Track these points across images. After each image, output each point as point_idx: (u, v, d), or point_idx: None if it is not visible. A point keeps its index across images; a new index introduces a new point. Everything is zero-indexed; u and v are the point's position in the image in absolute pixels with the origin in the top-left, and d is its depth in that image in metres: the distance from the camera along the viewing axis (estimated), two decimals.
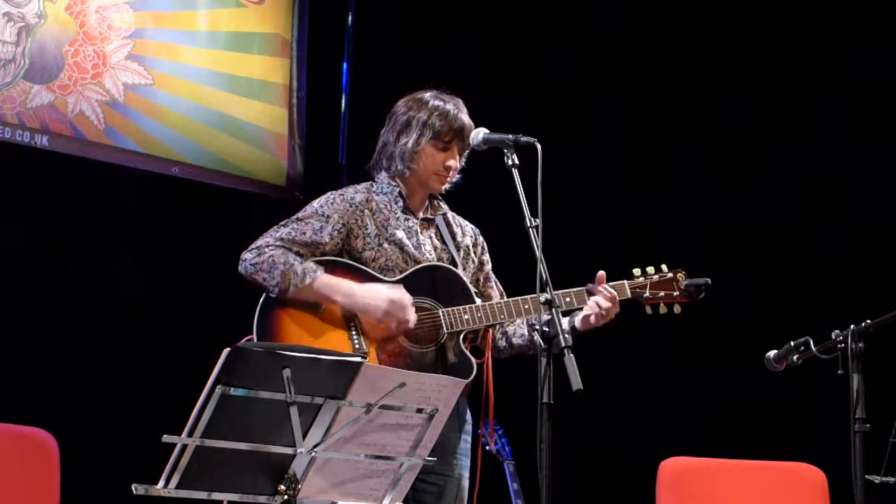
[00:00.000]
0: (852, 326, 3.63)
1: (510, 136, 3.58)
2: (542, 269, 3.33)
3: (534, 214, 3.38)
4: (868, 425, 3.57)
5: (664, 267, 3.88)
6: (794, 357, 3.79)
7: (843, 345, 3.62)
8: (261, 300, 3.69)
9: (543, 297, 3.31)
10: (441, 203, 3.95)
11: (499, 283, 3.99)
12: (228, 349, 2.74)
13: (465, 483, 3.79)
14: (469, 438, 3.84)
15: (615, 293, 3.74)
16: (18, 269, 5.08)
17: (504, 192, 3.49)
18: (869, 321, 3.62)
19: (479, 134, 3.70)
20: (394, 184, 3.85)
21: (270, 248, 3.69)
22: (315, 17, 5.95)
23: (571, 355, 3.17)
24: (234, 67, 5.71)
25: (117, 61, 5.34)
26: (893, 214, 5.93)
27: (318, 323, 3.69)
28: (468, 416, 3.84)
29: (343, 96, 6.00)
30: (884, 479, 3.58)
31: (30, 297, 5.08)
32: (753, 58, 6.28)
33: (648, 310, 3.86)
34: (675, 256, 3.93)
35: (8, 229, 5.07)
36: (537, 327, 3.29)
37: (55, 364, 5.10)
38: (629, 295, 3.81)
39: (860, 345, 3.60)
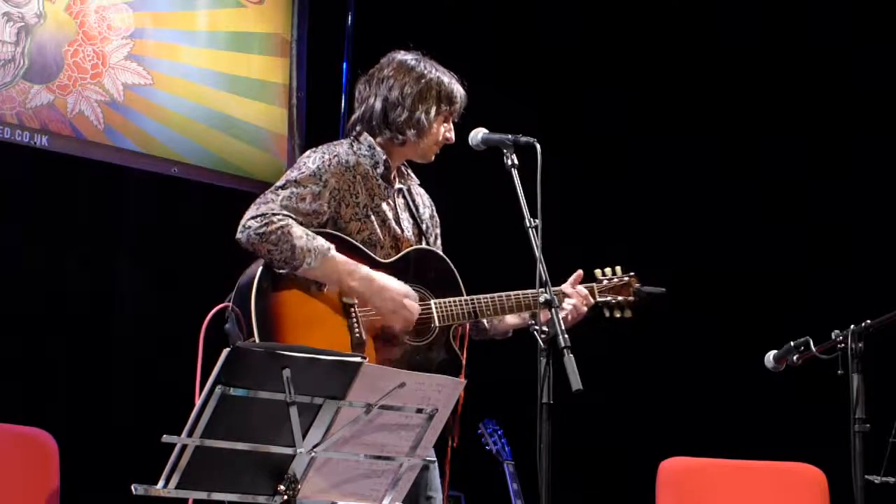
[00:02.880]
0: (852, 326, 3.63)
1: (509, 136, 3.56)
2: (541, 269, 3.32)
3: (533, 215, 3.37)
4: (868, 425, 3.58)
5: (619, 269, 3.88)
6: (794, 357, 3.79)
7: (843, 345, 3.62)
8: (257, 278, 3.53)
9: (543, 297, 3.30)
10: (410, 172, 3.87)
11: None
12: (228, 349, 2.74)
13: (437, 471, 3.69)
14: None
15: (591, 299, 3.78)
16: (18, 269, 5.08)
17: (504, 191, 3.48)
18: (869, 321, 3.63)
19: (478, 134, 3.66)
20: (378, 150, 3.74)
21: (278, 217, 3.54)
22: (315, 17, 5.95)
23: (571, 355, 3.16)
24: (233, 67, 5.71)
25: (117, 61, 5.34)
26: (893, 214, 5.93)
27: (319, 307, 3.58)
28: None
29: (343, 96, 5.99)
30: (884, 479, 3.58)
31: (30, 297, 5.08)
32: (751, 61, 6.29)
33: (607, 313, 3.87)
34: (674, 256, 3.93)
35: (8, 229, 5.07)
36: (536, 327, 3.28)
37: (55, 364, 5.10)
38: (597, 299, 3.83)
39: (860, 345, 3.60)
